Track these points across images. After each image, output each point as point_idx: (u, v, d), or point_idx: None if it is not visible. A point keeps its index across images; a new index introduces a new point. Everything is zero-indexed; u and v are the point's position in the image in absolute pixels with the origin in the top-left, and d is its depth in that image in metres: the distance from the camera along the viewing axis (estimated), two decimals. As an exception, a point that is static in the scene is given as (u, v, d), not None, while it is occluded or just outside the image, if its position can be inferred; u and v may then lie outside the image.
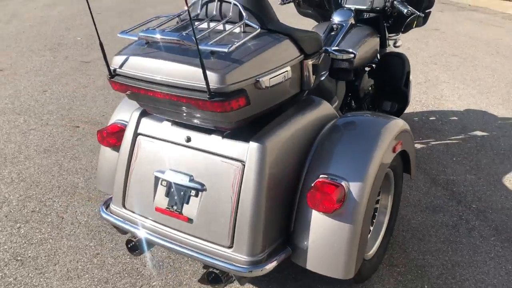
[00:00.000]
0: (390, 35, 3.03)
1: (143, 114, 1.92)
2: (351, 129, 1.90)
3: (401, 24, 2.89)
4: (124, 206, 1.93)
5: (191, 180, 1.75)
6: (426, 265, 2.22)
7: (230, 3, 1.74)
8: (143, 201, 1.87)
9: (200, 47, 1.47)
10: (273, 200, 1.71)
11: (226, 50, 1.51)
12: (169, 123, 1.85)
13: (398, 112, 2.97)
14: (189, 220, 1.75)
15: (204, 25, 1.79)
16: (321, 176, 1.74)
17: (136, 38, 1.69)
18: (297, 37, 1.77)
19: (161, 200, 1.81)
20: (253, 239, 1.66)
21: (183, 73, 1.54)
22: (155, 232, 1.84)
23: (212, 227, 1.72)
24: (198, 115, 1.67)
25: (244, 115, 1.63)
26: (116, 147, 2.10)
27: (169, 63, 1.57)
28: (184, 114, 1.71)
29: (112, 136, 2.10)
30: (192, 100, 1.53)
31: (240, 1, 1.73)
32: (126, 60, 1.66)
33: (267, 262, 1.69)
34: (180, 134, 1.80)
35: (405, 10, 2.68)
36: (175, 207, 1.77)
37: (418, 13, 2.74)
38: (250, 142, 1.67)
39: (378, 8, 2.84)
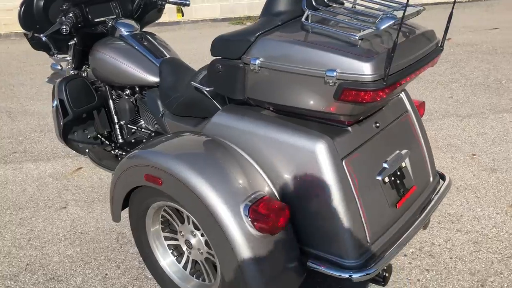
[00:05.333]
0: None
1: (329, 139, 1.61)
2: None
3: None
4: (369, 242, 1.64)
5: (400, 155, 1.83)
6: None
7: None
8: (385, 216, 1.72)
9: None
10: None
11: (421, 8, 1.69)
12: (349, 128, 1.69)
13: None
14: (416, 186, 1.89)
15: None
16: None
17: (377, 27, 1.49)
18: None
19: (393, 196, 1.78)
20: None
21: (426, 41, 1.67)
22: (406, 227, 1.80)
23: (422, 174, 1.96)
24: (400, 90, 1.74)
25: None
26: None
27: (414, 37, 1.65)
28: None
29: (284, 211, 1.58)
30: (435, 58, 1.69)
31: None
32: (383, 60, 1.46)
33: None
34: (369, 127, 1.77)
35: (188, 2, 2.63)
36: (402, 190, 1.80)
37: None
38: (403, 93, 1.98)
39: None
